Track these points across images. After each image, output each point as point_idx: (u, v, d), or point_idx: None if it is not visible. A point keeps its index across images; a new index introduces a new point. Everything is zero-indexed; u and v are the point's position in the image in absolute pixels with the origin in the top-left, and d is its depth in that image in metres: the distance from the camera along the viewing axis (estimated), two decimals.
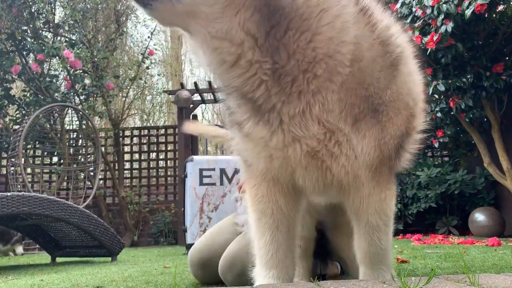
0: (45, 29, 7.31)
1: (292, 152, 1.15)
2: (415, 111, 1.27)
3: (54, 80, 6.97)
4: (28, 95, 6.92)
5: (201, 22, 1.04)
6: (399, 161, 1.29)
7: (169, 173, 8.64)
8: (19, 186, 5.88)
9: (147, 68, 8.28)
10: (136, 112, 11.24)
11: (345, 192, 1.27)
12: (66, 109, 7.05)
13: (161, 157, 9.19)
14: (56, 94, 6.95)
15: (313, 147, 1.14)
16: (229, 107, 1.22)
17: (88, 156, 7.28)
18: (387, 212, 1.32)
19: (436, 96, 4.90)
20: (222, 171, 4.74)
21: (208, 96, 8.47)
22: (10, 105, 7.16)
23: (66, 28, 7.45)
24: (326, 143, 1.14)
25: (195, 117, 8.35)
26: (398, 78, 1.18)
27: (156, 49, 9.38)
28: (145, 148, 8.93)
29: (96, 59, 7.10)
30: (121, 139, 8.45)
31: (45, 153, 7.88)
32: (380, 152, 1.18)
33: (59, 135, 7.08)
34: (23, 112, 6.95)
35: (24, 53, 6.89)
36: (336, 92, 1.10)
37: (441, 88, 4.42)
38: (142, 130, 9.10)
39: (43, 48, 6.42)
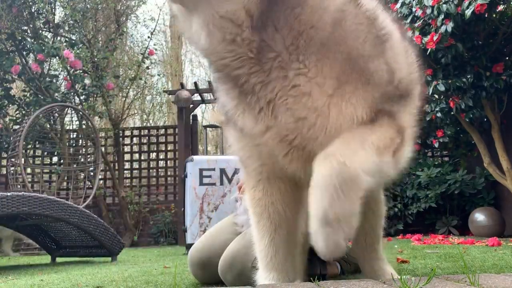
0: (45, 29, 7.31)
1: (269, 139, 1.15)
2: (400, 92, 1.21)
3: (54, 80, 6.97)
4: (28, 95, 6.92)
5: (213, 1, 1.07)
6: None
7: (169, 173, 8.64)
8: (19, 186, 5.88)
9: (147, 68, 8.28)
10: (136, 112, 11.24)
11: None
12: (66, 109, 7.05)
13: (161, 157, 9.19)
14: (56, 94, 6.95)
15: (285, 135, 1.13)
16: (223, 104, 1.23)
17: (88, 156, 7.27)
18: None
19: (436, 96, 4.90)
20: (222, 171, 4.74)
21: (208, 96, 8.47)
22: (10, 105, 7.16)
23: (66, 28, 7.44)
24: (300, 131, 1.12)
25: (195, 117, 8.35)
26: (385, 55, 1.16)
27: (156, 49, 9.38)
28: (145, 148, 8.93)
29: (96, 59, 7.10)
30: (121, 139, 8.45)
31: (45, 153, 7.87)
32: (371, 108, 1.12)
33: (59, 135, 7.08)
34: (23, 112, 6.95)
35: (24, 53, 6.89)
36: (315, 54, 1.09)
37: (441, 88, 4.42)
38: (142, 130, 9.10)
39: (43, 48, 6.42)
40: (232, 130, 1.26)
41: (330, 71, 1.10)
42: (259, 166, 1.27)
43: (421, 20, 4.39)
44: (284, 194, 1.31)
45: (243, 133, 1.20)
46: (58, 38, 7.29)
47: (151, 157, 9.03)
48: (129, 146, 9.17)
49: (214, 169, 4.74)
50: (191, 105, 8.06)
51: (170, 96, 9.27)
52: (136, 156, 8.77)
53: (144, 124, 12.58)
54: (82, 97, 7.10)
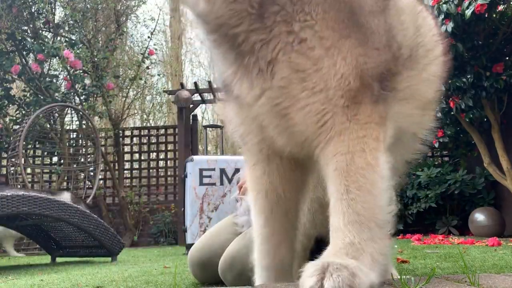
0: (45, 29, 7.31)
1: (262, 104, 1.06)
2: (401, 57, 1.13)
3: (54, 80, 6.98)
4: (28, 95, 6.93)
5: None
6: (383, 92, 1.07)
7: (169, 173, 8.65)
8: (19, 186, 5.88)
9: (147, 68, 8.29)
10: (136, 112, 11.25)
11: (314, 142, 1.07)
12: (66, 109, 7.06)
13: (161, 157, 9.19)
14: (56, 94, 6.96)
15: (276, 98, 1.04)
16: (220, 72, 1.15)
17: (88, 156, 7.28)
18: (366, 157, 1.01)
19: None
20: (222, 171, 4.74)
21: (208, 96, 8.48)
22: (10, 105, 7.17)
23: (66, 28, 7.45)
24: (289, 90, 1.02)
25: (195, 117, 8.35)
26: (389, 13, 1.08)
27: (156, 49, 9.38)
28: (145, 148, 8.94)
29: (96, 59, 7.11)
30: (121, 139, 8.46)
31: (45, 153, 7.88)
32: (360, 80, 1.01)
33: (59, 135, 7.08)
34: (23, 112, 6.96)
35: (24, 53, 6.90)
36: (321, 4, 1.01)
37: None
38: (142, 130, 9.10)
39: (43, 48, 6.42)
40: (231, 103, 1.17)
41: (334, 23, 1.01)
42: (259, 142, 1.20)
43: None
44: (283, 174, 1.23)
45: (239, 103, 1.12)
46: (58, 38, 7.29)
47: (151, 157, 9.03)
48: (129, 146, 9.17)
49: (214, 169, 4.74)
50: (191, 105, 8.06)
51: (170, 96, 9.27)
52: (136, 156, 8.77)
53: (144, 124, 12.58)
54: (82, 97, 7.11)
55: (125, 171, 8.68)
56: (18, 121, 6.98)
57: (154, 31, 8.41)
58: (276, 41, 1.02)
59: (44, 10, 6.99)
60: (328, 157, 1.03)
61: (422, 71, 1.22)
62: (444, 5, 4.02)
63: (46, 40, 6.97)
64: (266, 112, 1.08)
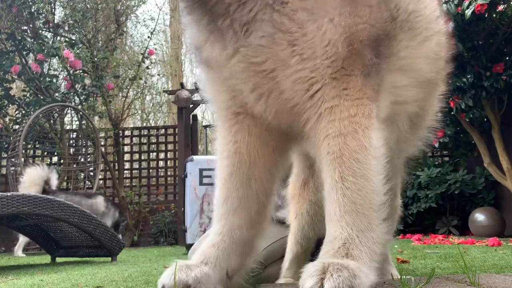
0: (45, 29, 7.32)
1: (236, 63, 1.00)
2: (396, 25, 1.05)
3: (54, 80, 6.99)
4: (28, 95, 6.93)
5: None
6: (378, 65, 0.99)
7: (169, 173, 8.65)
8: (19, 186, 5.87)
9: (147, 68, 8.29)
10: (136, 112, 11.25)
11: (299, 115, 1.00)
12: (66, 109, 7.06)
13: (161, 157, 9.19)
14: (56, 94, 6.96)
15: (253, 57, 0.97)
16: (192, 36, 1.09)
17: (88, 156, 7.28)
18: (359, 138, 0.96)
19: None
20: None
21: None
22: (10, 105, 7.17)
23: (66, 28, 7.46)
24: (273, 48, 0.95)
25: (195, 117, 8.35)
26: None
27: (156, 49, 9.39)
28: (145, 148, 8.94)
29: (96, 59, 7.11)
30: (121, 139, 8.46)
31: (45, 153, 7.88)
32: (350, 46, 0.94)
33: (59, 135, 7.08)
34: (23, 112, 6.97)
35: (24, 53, 6.90)
36: None
37: None
38: (142, 130, 9.11)
39: (43, 48, 6.43)
40: (203, 67, 1.12)
41: None
42: (228, 100, 1.11)
43: None
44: (252, 136, 1.13)
45: (209, 64, 1.07)
46: (58, 38, 7.30)
47: (151, 157, 9.04)
48: (129, 146, 9.17)
49: (214, 169, 4.72)
50: (191, 105, 8.06)
51: (170, 96, 9.27)
52: (136, 156, 8.78)
53: (144, 124, 12.58)
54: (82, 97, 7.11)
55: (125, 171, 8.68)
56: (18, 121, 6.98)
57: (154, 31, 8.42)
58: (253, 3, 0.95)
59: (44, 10, 6.99)
60: (319, 139, 0.98)
61: (422, 44, 1.15)
62: (444, 5, 4.02)
63: (46, 40, 6.98)
64: (240, 71, 1.00)
